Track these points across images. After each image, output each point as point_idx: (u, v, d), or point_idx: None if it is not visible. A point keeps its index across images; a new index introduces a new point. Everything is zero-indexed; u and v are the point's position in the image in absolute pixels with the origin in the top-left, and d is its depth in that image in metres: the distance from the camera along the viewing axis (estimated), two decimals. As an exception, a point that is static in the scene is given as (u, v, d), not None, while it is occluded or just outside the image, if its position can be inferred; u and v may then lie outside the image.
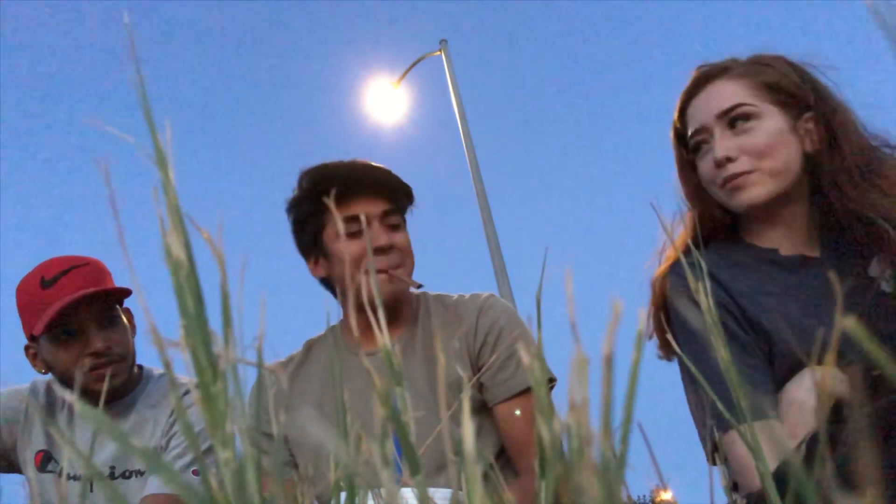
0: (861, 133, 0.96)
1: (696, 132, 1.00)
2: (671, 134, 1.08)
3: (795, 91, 0.97)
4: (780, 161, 0.95)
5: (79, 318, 1.20)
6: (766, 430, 0.81)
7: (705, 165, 1.00)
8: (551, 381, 1.14)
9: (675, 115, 1.05)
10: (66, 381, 1.24)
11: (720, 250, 1.02)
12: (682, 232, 1.06)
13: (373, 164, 1.17)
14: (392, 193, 1.16)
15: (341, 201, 1.12)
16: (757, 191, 0.95)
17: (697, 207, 1.04)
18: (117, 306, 1.29)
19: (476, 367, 1.13)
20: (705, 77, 1.01)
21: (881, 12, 0.19)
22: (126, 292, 1.27)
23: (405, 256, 1.15)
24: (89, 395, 1.24)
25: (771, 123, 0.96)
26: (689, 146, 1.03)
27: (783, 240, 0.99)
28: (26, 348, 1.28)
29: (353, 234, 1.12)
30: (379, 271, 1.11)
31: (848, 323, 0.17)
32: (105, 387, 1.22)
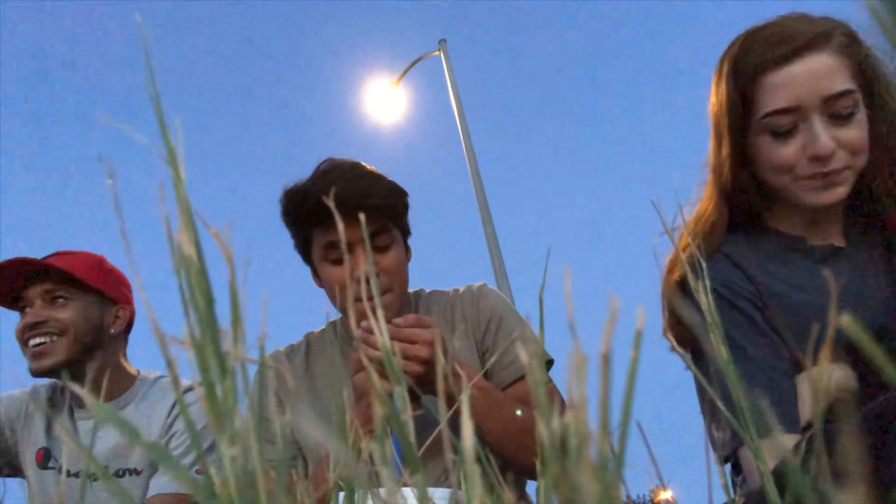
0: None
1: (786, 110, 0.84)
2: (721, 96, 0.90)
3: (871, 73, 0.85)
4: (866, 157, 0.85)
5: (26, 293, 1.28)
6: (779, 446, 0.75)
7: (787, 150, 0.85)
8: (549, 362, 1.16)
9: (745, 75, 0.87)
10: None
11: (749, 238, 0.94)
12: (698, 217, 0.96)
13: (356, 178, 1.07)
14: (375, 213, 1.08)
15: (322, 224, 1.08)
16: (843, 191, 0.85)
17: (730, 189, 0.92)
18: (73, 290, 1.30)
19: (481, 355, 1.15)
20: (805, 46, 0.83)
21: (878, 11, 0.19)
22: (63, 270, 1.28)
23: (392, 279, 1.10)
24: (66, 378, 1.29)
25: (862, 114, 0.84)
26: (758, 119, 0.87)
27: (811, 228, 0.93)
28: None
29: (337, 261, 1.09)
30: (361, 299, 1.08)
31: (844, 321, 0.17)
32: (34, 365, 1.24)
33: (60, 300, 1.29)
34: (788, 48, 0.83)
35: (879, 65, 0.85)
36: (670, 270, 0.96)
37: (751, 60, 0.86)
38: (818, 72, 0.82)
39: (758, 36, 0.87)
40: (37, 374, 1.25)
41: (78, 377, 1.28)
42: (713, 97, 0.93)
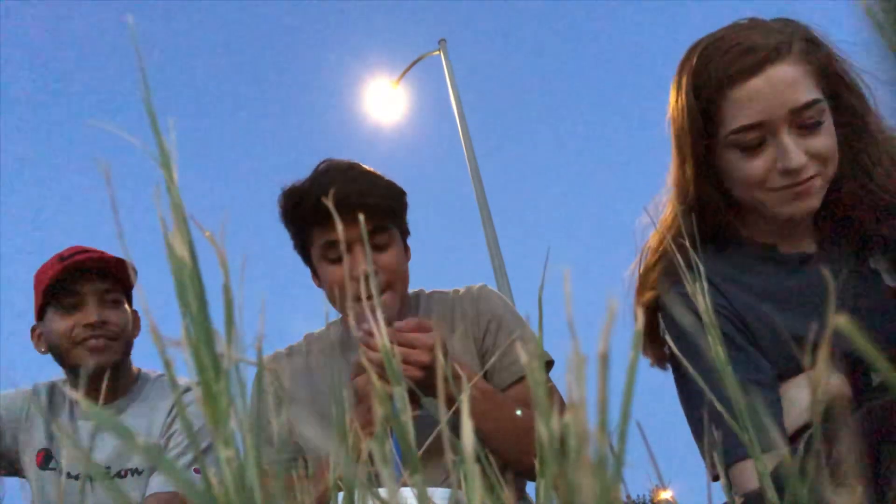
0: (878, 115, 0.85)
1: (753, 126, 0.81)
2: (682, 112, 0.88)
3: (834, 75, 0.83)
4: (836, 164, 0.84)
5: (80, 288, 1.25)
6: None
7: (756, 164, 0.83)
8: (550, 363, 1.16)
9: (706, 91, 0.84)
10: (62, 356, 1.26)
11: (718, 251, 0.93)
12: (663, 233, 0.94)
13: (354, 177, 1.08)
14: (374, 212, 1.08)
15: (321, 223, 1.08)
16: (816, 200, 0.83)
17: (699, 204, 0.90)
18: (122, 293, 1.31)
19: (481, 356, 1.15)
20: (766, 58, 0.80)
21: (874, 12, 0.19)
22: (127, 273, 1.28)
23: (392, 278, 1.10)
24: (78, 375, 1.27)
25: (829, 121, 0.82)
26: (724, 136, 0.84)
27: (782, 235, 0.92)
28: (33, 329, 1.32)
29: (336, 260, 1.09)
30: (361, 298, 1.08)
31: (840, 321, 0.17)
32: (92, 362, 1.23)
33: (115, 302, 1.28)
34: (750, 62, 0.80)
35: (843, 66, 0.84)
36: (640, 290, 0.95)
37: (711, 76, 0.83)
38: (782, 84, 0.79)
39: (715, 49, 0.84)
40: (95, 368, 1.24)
41: (102, 376, 1.27)
42: (673, 110, 0.91)
